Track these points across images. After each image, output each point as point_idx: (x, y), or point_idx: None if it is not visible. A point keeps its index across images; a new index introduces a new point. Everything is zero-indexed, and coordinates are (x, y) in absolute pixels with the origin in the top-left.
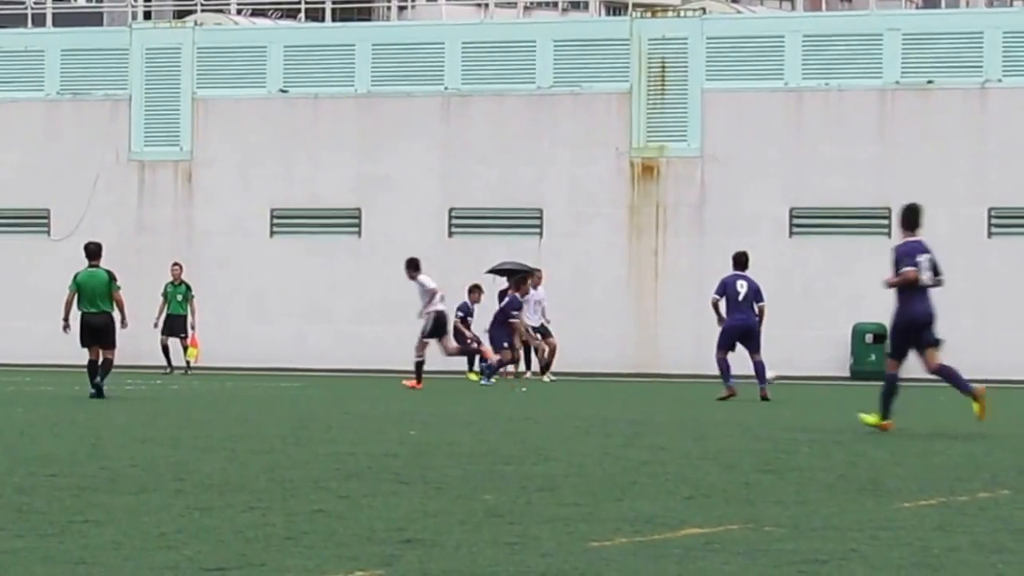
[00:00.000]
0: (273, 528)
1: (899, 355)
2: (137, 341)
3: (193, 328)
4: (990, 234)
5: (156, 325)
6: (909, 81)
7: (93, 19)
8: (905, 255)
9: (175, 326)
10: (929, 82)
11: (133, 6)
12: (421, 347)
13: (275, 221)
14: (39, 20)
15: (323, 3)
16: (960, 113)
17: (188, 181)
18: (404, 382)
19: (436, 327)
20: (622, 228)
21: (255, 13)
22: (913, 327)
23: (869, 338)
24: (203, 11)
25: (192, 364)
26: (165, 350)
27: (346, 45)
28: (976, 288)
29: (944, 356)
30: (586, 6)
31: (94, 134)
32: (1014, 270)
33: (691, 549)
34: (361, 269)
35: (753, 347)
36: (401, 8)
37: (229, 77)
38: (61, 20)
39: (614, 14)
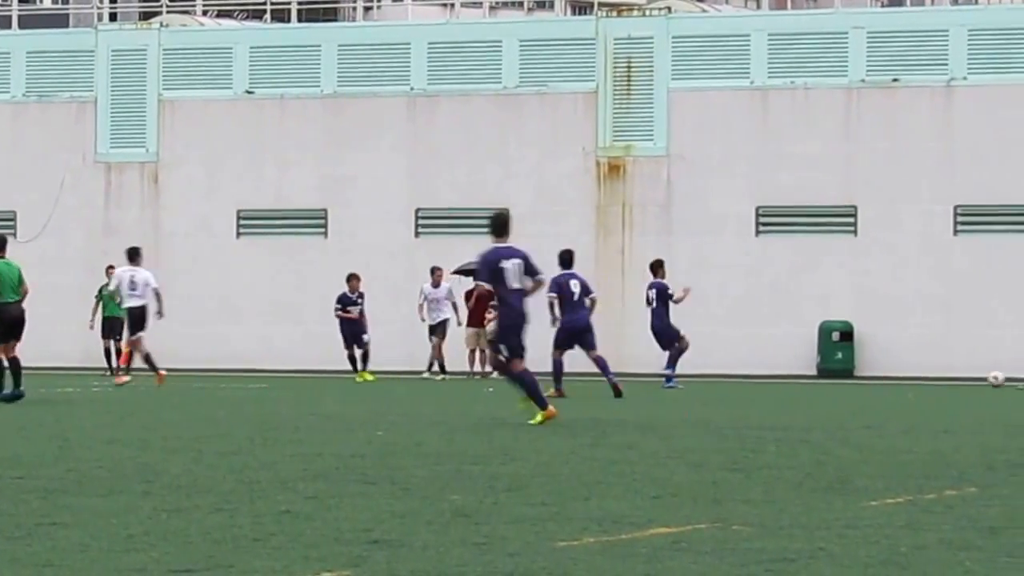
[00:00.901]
0: (240, 529)
1: (514, 353)
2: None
3: None
4: (956, 232)
5: (92, 327)
6: (875, 79)
7: (59, 21)
8: (484, 263)
9: (114, 328)
10: (895, 80)
11: (99, 8)
12: (136, 342)
13: (242, 222)
14: (4, 22)
15: (289, 4)
16: (926, 111)
17: (155, 183)
18: (119, 377)
19: (133, 322)
20: (589, 227)
21: (221, 14)
22: (517, 327)
23: (836, 336)
24: (169, 12)
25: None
26: (107, 354)
27: (312, 46)
28: (942, 286)
29: (916, 353)
30: (551, 6)
31: (60, 136)
32: (980, 268)
33: (659, 548)
34: (328, 270)
35: (589, 343)
36: (367, 8)
37: (195, 78)
38: (26, 22)
39: (580, 14)
